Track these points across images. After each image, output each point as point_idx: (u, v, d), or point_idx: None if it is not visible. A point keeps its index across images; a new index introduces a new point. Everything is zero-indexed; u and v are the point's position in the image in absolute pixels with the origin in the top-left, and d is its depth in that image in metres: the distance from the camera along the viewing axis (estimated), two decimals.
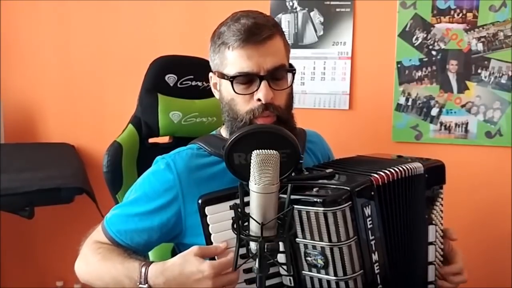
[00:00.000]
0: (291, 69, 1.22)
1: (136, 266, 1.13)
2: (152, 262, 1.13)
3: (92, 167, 2.25)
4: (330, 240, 1.04)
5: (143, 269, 1.11)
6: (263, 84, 1.16)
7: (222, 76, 1.21)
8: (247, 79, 1.17)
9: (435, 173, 1.27)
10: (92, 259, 1.21)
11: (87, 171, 2.21)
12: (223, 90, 1.24)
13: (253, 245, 0.96)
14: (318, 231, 1.05)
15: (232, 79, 1.17)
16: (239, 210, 0.97)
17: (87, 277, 1.23)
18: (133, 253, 1.21)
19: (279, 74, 1.19)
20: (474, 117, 2.02)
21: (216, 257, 1.11)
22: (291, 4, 2.14)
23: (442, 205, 1.28)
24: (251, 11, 1.22)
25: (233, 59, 1.18)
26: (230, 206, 1.10)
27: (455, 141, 2.05)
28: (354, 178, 1.13)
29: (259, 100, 1.17)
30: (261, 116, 1.18)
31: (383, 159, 1.31)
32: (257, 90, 1.17)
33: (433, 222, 1.25)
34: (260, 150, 0.92)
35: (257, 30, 1.16)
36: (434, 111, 2.05)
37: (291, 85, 1.23)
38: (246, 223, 0.98)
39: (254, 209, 0.94)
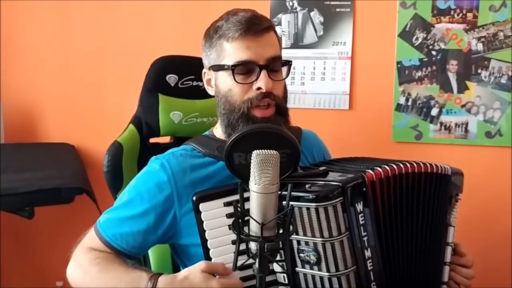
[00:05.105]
0: (287, 61, 1.25)
1: (143, 276, 1.11)
2: (160, 274, 1.11)
3: (92, 167, 2.25)
4: (322, 236, 1.05)
5: (152, 280, 1.09)
6: (263, 73, 1.18)
7: (220, 68, 1.23)
8: (246, 69, 1.20)
9: (457, 178, 1.28)
10: (91, 270, 1.18)
11: (87, 171, 2.21)
12: (219, 83, 1.25)
13: (253, 245, 0.96)
14: (310, 227, 1.06)
15: (233, 67, 1.19)
16: (239, 209, 0.97)
17: (82, 286, 1.21)
18: (136, 263, 1.21)
19: (276, 66, 1.23)
20: (474, 117, 2.02)
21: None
22: (291, 4, 2.13)
23: (457, 212, 1.28)
24: (245, 8, 1.24)
25: (232, 50, 1.20)
26: (224, 203, 1.11)
27: (455, 141, 2.05)
28: (347, 174, 1.14)
29: (258, 89, 1.19)
30: (260, 104, 1.20)
31: (390, 159, 1.28)
32: (256, 79, 1.19)
33: (452, 224, 1.26)
34: (260, 150, 0.93)
35: (257, 21, 1.20)
36: (434, 111, 2.05)
37: (286, 77, 1.26)
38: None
39: (254, 209, 0.94)
